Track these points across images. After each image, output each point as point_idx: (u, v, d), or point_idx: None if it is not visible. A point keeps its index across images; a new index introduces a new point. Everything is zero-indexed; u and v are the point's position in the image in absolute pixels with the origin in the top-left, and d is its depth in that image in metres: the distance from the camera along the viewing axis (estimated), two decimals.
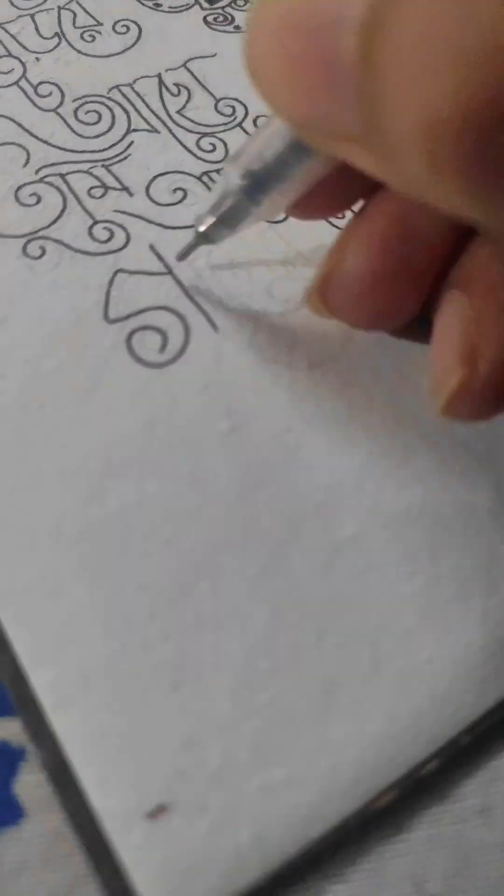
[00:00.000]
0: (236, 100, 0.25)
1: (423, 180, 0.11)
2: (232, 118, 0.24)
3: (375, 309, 0.17)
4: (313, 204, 0.17)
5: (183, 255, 0.20)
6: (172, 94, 0.25)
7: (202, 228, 0.18)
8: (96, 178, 0.22)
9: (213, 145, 0.24)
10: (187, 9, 0.28)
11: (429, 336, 0.17)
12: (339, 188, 0.16)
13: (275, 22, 0.12)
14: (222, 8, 0.28)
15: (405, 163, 0.11)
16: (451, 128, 0.10)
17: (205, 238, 0.18)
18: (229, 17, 0.28)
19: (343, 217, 0.21)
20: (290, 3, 0.12)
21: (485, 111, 0.10)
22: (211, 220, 0.18)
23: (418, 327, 0.18)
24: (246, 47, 0.13)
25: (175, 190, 0.22)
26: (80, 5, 0.27)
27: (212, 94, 0.25)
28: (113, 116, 0.24)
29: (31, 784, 0.15)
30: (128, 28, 0.27)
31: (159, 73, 0.25)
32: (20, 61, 0.25)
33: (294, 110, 0.13)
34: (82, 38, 0.26)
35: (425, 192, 0.12)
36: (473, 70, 0.10)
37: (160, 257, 0.21)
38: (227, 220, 0.18)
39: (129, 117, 0.24)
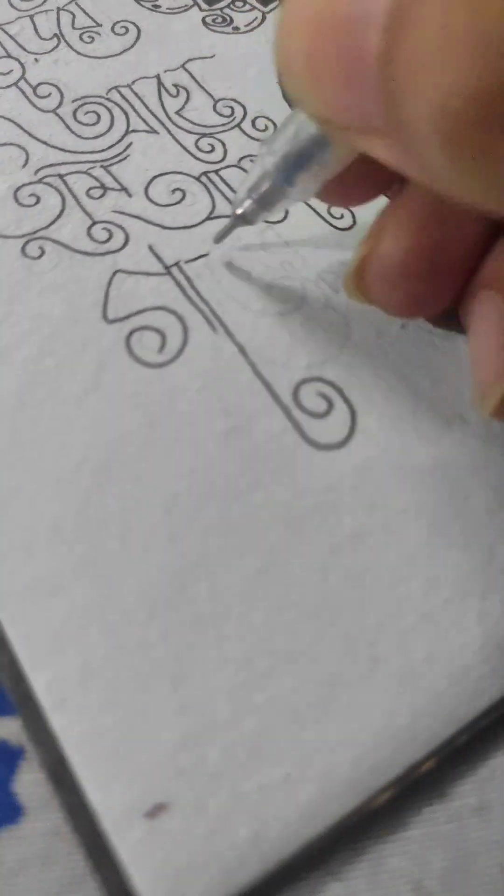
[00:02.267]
0: (235, 100, 0.25)
1: (442, 170, 0.12)
2: (230, 119, 0.24)
3: (410, 294, 0.17)
4: (346, 190, 0.18)
5: (220, 237, 0.20)
6: (171, 95, 0.25)
7: (240, 210, 0.19)
8: (95, 178, 0.22)
9: (212, 146, 0.24)
10: (186, 10, 0.28)
11: (461, 326, 0.17)
12: (371, 175, 0.17)
13: (304, 21, 0.13)
14: (221, 9, 0.28)
15: (424, 152, 0.12)
16: (467, 114, 0.10)
17: (242, 219, 0.19)
18: (228, 18, 0.28)
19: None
20: (318, 4, 0.12)
21: (499, 97, 0.10)
22: (248, 202, 0.19)
23: (452, 317, 0.18)
24: (275, 46, 0.14)
25: (174, 190, 0.22)
26: (79, 6, 0.27)
27: (210, 95, 0.25)
28: (112, 117, 0.24)
29: (30, 783, 0.15)
30: (127, 29, 0.27)
31: (158, 74, 0.25)
32: (19, 62, 0.25)
33: (319, 105, 0.14)
34: (81, 39, 0.26)
35: (445, 184, 0.12)
36: (487, 57, 0.10)
37: (159, 258, 0.21)
38: (264, 201, 0.19)
39: (127, 118, 0.24)
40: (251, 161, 0.19)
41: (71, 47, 0.26)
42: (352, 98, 0.12)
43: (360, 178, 0.17)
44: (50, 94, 0.24)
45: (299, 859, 0.14)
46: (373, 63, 0.12)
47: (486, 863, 0.15)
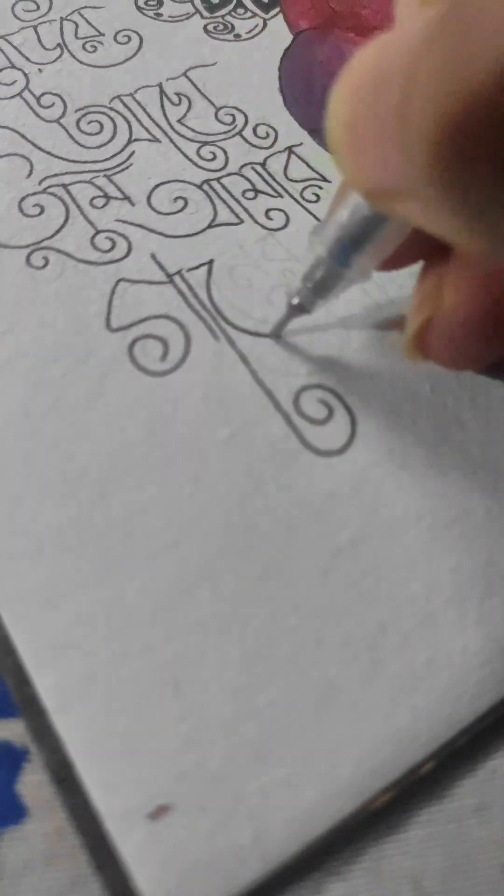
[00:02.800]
0: (236, 108, 0.25)
1: (450, 223, 0.12)
2: (232, 126, 0.25)
3: (478, 348, 0.17)
4: (401, 258, 0.17)
5: (277, 331, 0.20)
6: (173, 104, 0.25)
7: (296, 301, 0.19)
8: (98, 187, 0.23)
9: (214, 154, 0.24)
10: (187, 18, 0.28)
11: None
12: (421, 239, 0.16)
13: (347, 92, 0.13)
14: (222, 17, 0.28)
15: (432, 205, 0.12)
16: (448, 143, 0.11)
17: (300, 309, 0.19)
18: (229, 26, 0.28)
19: None
20: (358, 74, 0.13)
21: (472, 128, 0.10)
22: (304, 291, 0.18)
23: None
24: (327, 122, 0.14)
25: (176, 199, 0.23)
26: (81, 16, 0.27)
27: (212, 103, 0.25)
28: (114, 126, 0.24)
29: (33, 784, 0.15)
30: (129, 38, 0.27)
31: (160, 83, 0.26)
32: (23, 72, 0.25)
33: (359, 174, 0.14)
34: (84, 48, 0.26)
35: (460, 238, 0.12)
36: (456, 92, 0.10)
37: (161, 266, 0.21)
38: (320, 288, 0.18)
39: (130, 127, 0.24)
40: (308, 245, 0.18)
41: (74, 57, 0.26)
42: (384, 161, 0.13)
43: (413, 245, 0.17)
44: (53, 104, 0.25)
45: (301, 859, 0.15)
46: (394, 121, 0.12)
47: (485, 863, 0.15)
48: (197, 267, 0.21)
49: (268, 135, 0.25)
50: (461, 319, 0.17)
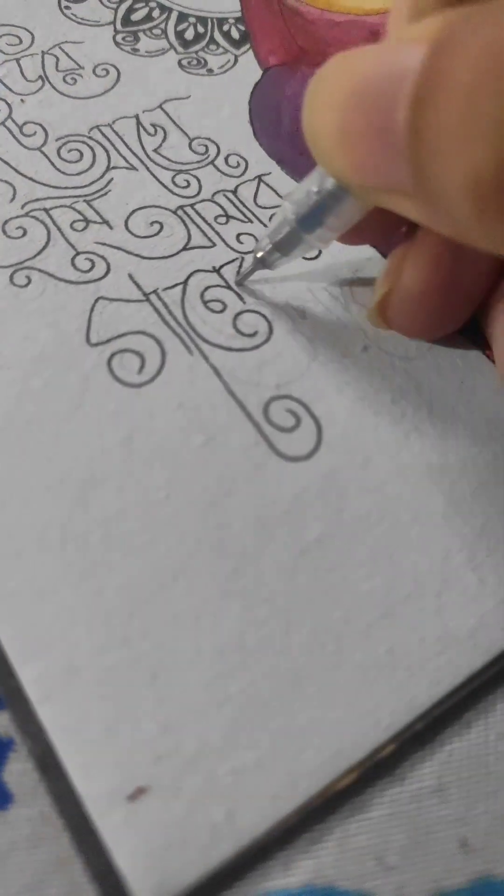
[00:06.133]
0: (209, 139, 0.27)
1: (470, 226, 0.14)
2: (205, 156, 0.26)
3: (428, 321, 0.20)
4: (361, 234, 0.20)
5: (241, 280, 0.22)
6: (149, 134, 0.27)
7: (260, 254, 0.21)
8: (78, 212, 0.24)
9: (188, 181, 0.25)
10: (163, 53, 0.30)
11: (470, 341, 0.20)
12: (383, 220, 0.19)
13: (336, 99, 0.15)
14: (196, 52, 0.30)
15: (453, 213, 0.14)
16: (494, 185, 0.12)
17: (262, 263, 0.21)
18: (202, 61, 0.30)
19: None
20: (349, 83, 0.14)
21: None
22: (268, 247, 0.21)
23: (464, 334, 0.21)
24: (306, 119, 0.16)
25: (152, 223, 0.24)
26: (62, 50, 0.29)
27: (186, 134, 0.27)
28: (94, 154, 0.25)
29: (18, 772, 0.16)
30: (107, 71, 0.28)
31: (137, 114, 0.27)
32: (6, 103, 0.27)
33: (350, 171, 0.15)
34: (65, 80, 0.28)
35: (472, 237, 0.14)
36: None
37: (138, 285, 0.22)
38: (283, 247, 0.20)
39: (108, 155, 0.26)
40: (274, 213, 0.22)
41: (55, 88, 0.27)
42: (381, 165, 0.14)
43: (373, 224, 0.19)
44: (35, 133, 0.26)
45: (271, 838, 0.15)
46: (401, 135, 0.13)
47: (443, 838, 0.16)
48: (172, 286, 0.22)
49: (238, 164, 0.26)
50: (415, 294, 0.19)
